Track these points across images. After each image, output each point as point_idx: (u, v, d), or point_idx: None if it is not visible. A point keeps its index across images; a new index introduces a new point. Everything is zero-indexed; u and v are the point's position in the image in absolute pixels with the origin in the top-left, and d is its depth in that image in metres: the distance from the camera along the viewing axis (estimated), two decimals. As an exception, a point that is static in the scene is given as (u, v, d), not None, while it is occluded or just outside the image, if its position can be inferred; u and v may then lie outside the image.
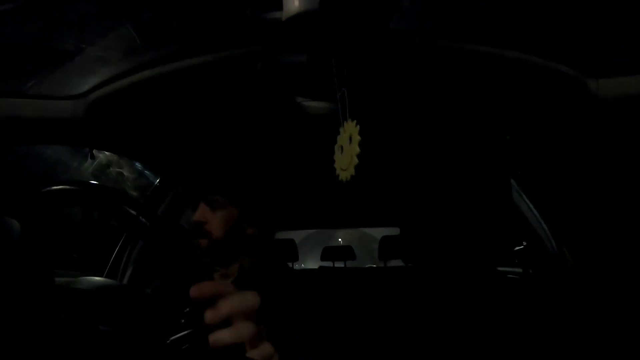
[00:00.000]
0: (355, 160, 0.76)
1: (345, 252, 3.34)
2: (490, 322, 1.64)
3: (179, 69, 0.89)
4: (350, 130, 0.79)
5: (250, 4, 0.78)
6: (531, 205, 1.67)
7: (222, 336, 0.50)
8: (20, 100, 0.96)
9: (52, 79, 0.93)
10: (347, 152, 0.78)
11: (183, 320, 0.79)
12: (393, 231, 2.96)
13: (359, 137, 0.76)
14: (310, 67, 0.91)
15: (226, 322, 0.50)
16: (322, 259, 3.34)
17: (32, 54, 0.86)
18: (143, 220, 0.87)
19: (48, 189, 0.70)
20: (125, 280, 1.60)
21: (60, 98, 0.98)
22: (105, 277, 1.63)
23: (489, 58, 0.90)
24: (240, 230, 1.02)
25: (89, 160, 1.25)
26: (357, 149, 0.76)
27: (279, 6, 0.75)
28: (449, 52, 0.88)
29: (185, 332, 0.76)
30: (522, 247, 1.78)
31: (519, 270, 1.85)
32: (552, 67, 0.92)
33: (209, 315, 0.49)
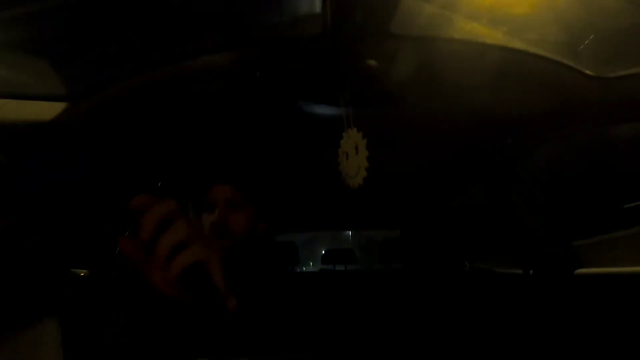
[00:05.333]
0: (364, 171, 0.77)
1: (346, 255, 3.33)
2: (490, 323, 1.64)
3: (183, 71, 0.90)
4: (355, 139, 0.79)
5: (253, 8, 0.78)
6: (531, 206, 1.67)
7: (182, 259, 0.51)
8: (20, 102, 0.96)
9: (53, 81, 0.94)
10: (354, 160, 0.79)
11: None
12: (394, 234, 2.96)
13: (366, 150, 0.77)
14: (313, 71, 0.92)
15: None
16: (323, 262, 3.33)
17: (34, 55, 0.87)
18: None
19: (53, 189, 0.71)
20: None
21: (61, 100, 0.99)
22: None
23: (489, 59, 0.90)
24: (255, 228, 1.04)
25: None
26: (365, 162, 0.77)
27: (282, 10, 0.76)
28: (448, 52, 0.88)
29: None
30: (522, 248, 1.77)
31: (520, 271, 1.85)
32: (553, 67, 0.93)
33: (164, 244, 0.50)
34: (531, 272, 1.73)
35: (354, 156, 0.77)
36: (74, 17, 0.79)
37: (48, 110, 0.99)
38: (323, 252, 3.40)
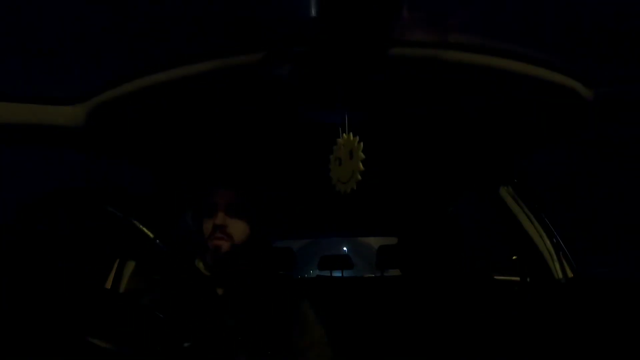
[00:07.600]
0: (358, 176, 0.76)
1: (343, 261, 3.31)
2: (488, 330, 1.63)
3: (183, 75, 0.90)
4: (350, 145, 0.78)
5: (252, 11, 0.78)
6: (528, 213, 1.67)
7: None
8: (20, 104, 0.96)
9: (53, 84, 0.93)
10: (348, 166, 0.78)
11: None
12: (390, 241, 2.95)
13: (362, 154, 0.76)
14: (309, 78, 0.92)
15: None
16: (320, 268, 3.32)
17: (35, 57, 0.86)
18: (142, 231, 0.87)
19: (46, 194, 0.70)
20: (120, 291, 1.58)
21: (61, 103, 0.99)
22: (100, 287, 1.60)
23: (485, 68, 0.91)
24: (254, 237, 1.08)
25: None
26: (360, 166, 0.75)
27: (280, 12, 0.76)
28: (445, 62, 0.88)
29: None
30: (519, 255, 1.77)
31: (517, 278, 1.84)
32: (548, 76, 0.94)
33: None
34: (529, 278, 1.73)
35: (348, 161, 0.76)
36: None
37: (47, 113, 0.99)
38: (320, 258, 3.38)
